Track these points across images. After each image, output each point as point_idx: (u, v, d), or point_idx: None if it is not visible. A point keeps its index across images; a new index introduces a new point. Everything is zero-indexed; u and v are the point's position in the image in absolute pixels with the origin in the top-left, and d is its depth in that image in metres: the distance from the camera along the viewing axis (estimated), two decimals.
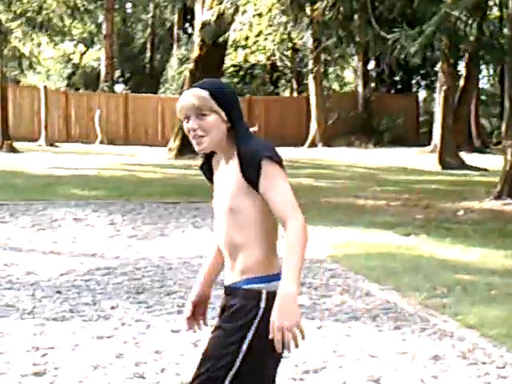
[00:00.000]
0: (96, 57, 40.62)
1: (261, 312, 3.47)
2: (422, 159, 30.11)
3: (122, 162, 25.24)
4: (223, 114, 3.50)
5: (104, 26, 40.53)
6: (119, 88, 42.36)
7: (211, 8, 24.35)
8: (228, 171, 3.55)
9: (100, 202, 15.80)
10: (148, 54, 45.62)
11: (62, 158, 26.31)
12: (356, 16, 19.04)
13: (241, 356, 3.46)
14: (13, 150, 27.36)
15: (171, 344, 6.69)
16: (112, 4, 40.15)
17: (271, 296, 3.41)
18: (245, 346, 3.46)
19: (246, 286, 3.53)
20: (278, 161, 3.45)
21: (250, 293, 3.52)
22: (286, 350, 3.36)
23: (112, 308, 7.86)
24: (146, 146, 33.34)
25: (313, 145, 37.84)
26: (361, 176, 24.55)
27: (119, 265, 10.04)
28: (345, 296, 8.57)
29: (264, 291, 3.49)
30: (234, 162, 3.48)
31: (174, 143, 28.28)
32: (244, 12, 23.22)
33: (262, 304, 3.48)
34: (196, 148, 3.58)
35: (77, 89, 39.67)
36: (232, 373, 3.47)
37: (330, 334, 7.13)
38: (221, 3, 21.82)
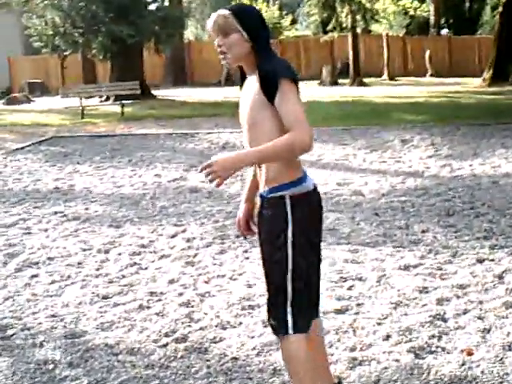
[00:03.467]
0: (426, 9, 38.03)
1: (289, 216, 2.74)
2: None
3: (445, 91, 22.43)
4: (245, 33, 2.76)
5: None
6: (444, 32, 39.59)
7: None
8: (250, 87, 2.79)
9: (424, 125, 13.60)
10: (467, 4, 42.39)
11: (399, 88, 24.03)
12: None
13: (290, 259, 2.75)
14: (362, 84, 25.95)
15: (475, 279, 4.70)
16: None
17: (296, 199, 2.75)
18: (289, 250, 2.75)
19: (270, 195, 2.79)
20: (294, 79, 2.71)
21: (275, 200, 2.78)
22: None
23: (422, 232, 5.97)
24: (467, 77, 30.23)
25: None
26: None
27: (434, 185, 8.06)
28: None
29: (287, 195, 2.75)
30: (255, 79, 2.74)
31: (487, 74, 25.05)
32: None
33: (288, 208, 2.75)
34: (222, 62, 2.86)
35: (412, 35, 37.71)
36: (289, 275, 2.77)
37: None
38: None
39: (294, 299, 2.80)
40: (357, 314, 4.19)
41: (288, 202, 2.75)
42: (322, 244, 5.53)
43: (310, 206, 2.81)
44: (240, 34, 2.76)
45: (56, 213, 7.16)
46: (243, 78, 2.92)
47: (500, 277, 4.68)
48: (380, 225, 6.27)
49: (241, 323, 4.08)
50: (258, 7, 35.80)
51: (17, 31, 28.24)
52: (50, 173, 9.78)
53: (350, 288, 4.65)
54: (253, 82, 2.77)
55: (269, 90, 2.67)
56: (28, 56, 31.08)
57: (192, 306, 4.37)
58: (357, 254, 5.38)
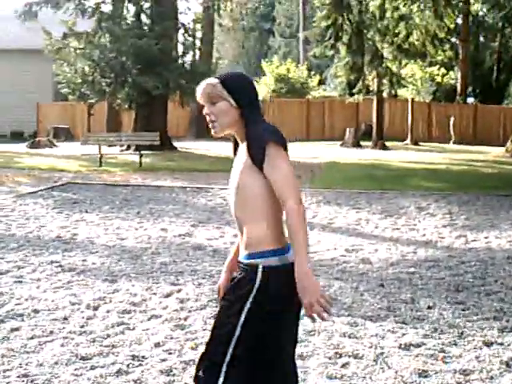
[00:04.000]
0: (453, 77, 38.21)
1: (257, 285, 2.67)
2: None
3: (467, 159, 22.20)
4: (232, 100, 2.77)
5: (460, 53, 38.06)
6: (470, 100, 39.60)
7: None
8: (240, 152, 2.83)
9: (442, 193, 13.37)
10: (494, 74, 42.56)
11: (421, 154, 23.85)
12: None
13: (239, 325, 2.68)
14: (384, 147, 25.82)
15: (481, 364, 4.40)
16: (466, 35, 37.46)
17: (270, 270, 2.68)
18: (243, 317, 2.68)
19: (246, 261, 2.75)
20: (282, 144, 2.72)
21: (249, 266, 2.73)
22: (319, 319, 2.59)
23: (429, 308, 5.69)
24: (490, 146, 29.96)
25: None
26: None
27: (446, 257, 7.78)
28: None
29: (261, 266, 2.69)
30: (244, 145, 2.77)
31: (511, 144, 24.80)
32: None
33: (259, 277, 2.68)
34: (212, 131, 2.86)
35: (439, 101, 37.78)
36: (234, 339, 2.69)
37: None
38: None
39: (231, 363, 2.70)
40: None
41: (260, 271, 2.70)
42: None
43: (284, 281, 2.68)
44: (227, 102, 2.78)
45: (52, 262, 6.98)
46: (236, 145, 2.94)
47: (508, 364, 4.38)
48: (384, 297, 6.00)
49: None
50: (286, 67, 36.36)
51: (48, 77, 28.75)
52: (55, 220, 9.66)
53: (344, 365, 4.38)
54: (243, 148, 2.79)
55: (257, 155, 2.68)
56: (57, 102, 31.58)
57: (173, 375, 4.13)
58: (356, 328, 5.11)
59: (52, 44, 21.63)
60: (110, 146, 20.53)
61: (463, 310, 5.64)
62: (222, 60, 44.42)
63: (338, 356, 4.54)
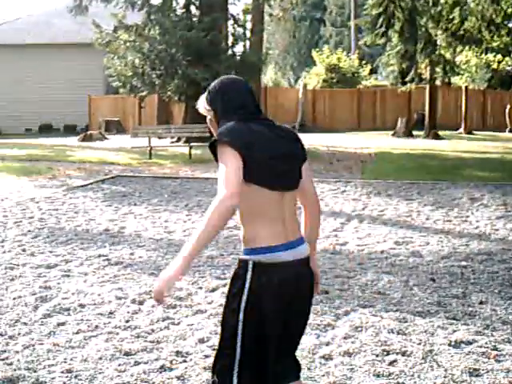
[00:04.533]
0: (510, 63, 37.17)
1: (247, 282, 2.67)
2: None
3: None
4: (211, 109, 2.86)
5: None
6: None
7: None
8: None
9: (496, 184, 13.00)
10: None
11: (475, 143, 23.29)
12: None
13: (240, 322, 2.67)
14: (437, 137, 25.32)
15: None
16: None
17: (261, 267, 2.67)
18: (241, 317, 2.67)
19: (240, 257, 2.79)
20: (224, 141, 2.64)
21: (241, 262, 2.75)
22: None
23: (481, 303, 5.51)
24: None
25: None
26: None
27: (500, 250, 7.55)
28: None
29: (251, 261, 2.69)
30: None
31: None
32: None
33: (249, 274, 2.68)
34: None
35: (495, 88, 36.85)
36: (238, 341, 2.67)
37: None
38: None
39: (241, 361, 2.69)
40: None
41: (250, 267, 2.70)
42: (370, 309, 5.29)
43: (274, 278, 2.68)
44: (210, 112, 2.87)
45: (100, 256, 7.04)
46: None
47: None
48: (434, 292, 5.85)
49: None
50: (337, 56, 35.99)
51: (100, 71, 29.14)
52: (105, 213, 9.75)
53: (391, 363, 4.27)
54: None
55: (215, 156, 2.71)
56: (108, 95, 32.01)
57: None
58: (405, 324, 4.98)
59: (102, 37, 21.84)
60: (159, 138, 20.67)
61: None
62: (273, 50, 44.32)
63: (385, 353, 4.43)
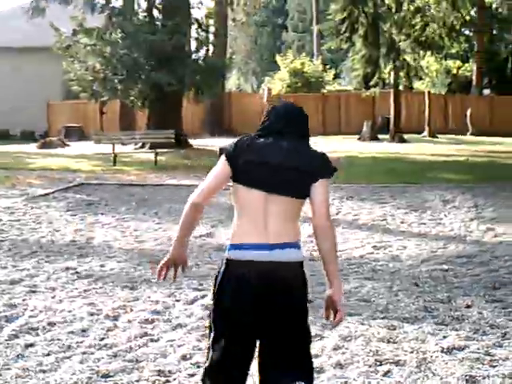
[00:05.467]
0: (469, 69, 37.75)
1: (221, 273, 2.89)
2: None
3: (487, 150, 21.75)
4: None
5: (475, 44, 37.53)
6: (486, 92, 39.05)
7: None
8: None
9: (466, 186, 12.99)
10: (510, 65, 41.94)
11: (440, 146, 23.39)
12: None
13: (212, 313, 2.94)
14: (402, 140, 25.39)
15: None
16: (481, 27, 36.77)
17: (230, 261, 2.87)
18: (213, 306, 2.94)
19: None
20: (220, 150, 3.00)
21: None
22: None
23: (467, 307, 5.36)
24: (508, 137, 29.40)
25: None
26: None
27: (477, 251, 7.50)
28: None
29: (225, 257, 2.90)
30: None
31: None
32: None
33: (223, 267, 2.89)
34: None
35: (454, 93, 37.30)
36: (213, 326, 2.92)
37: None
38: None
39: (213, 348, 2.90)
40: None
41: (224, 262, 2.90)
42: (357, 318, 5.07)
43: (238, 275, 2.83)
44: None
45: (68, 269, 6.64)
46: None
47: None
48: (419, 297, 5.68)
49: None
50: (300, 61, 35.95)
51: (58, 76, 28.38)
52: (70, 223, 9.34)
53: (386, 374, 4.06)
54: None
55: None
56: (67, 101, 31.28)
57: None
58: (394, 332, 4.78)
59: (61, 41, 21.20)
60: (123, 144, 20.21)
61: (503, 309, 5.34)
62: (236, 56, 44.07)
63: (378, 363, 4.22)
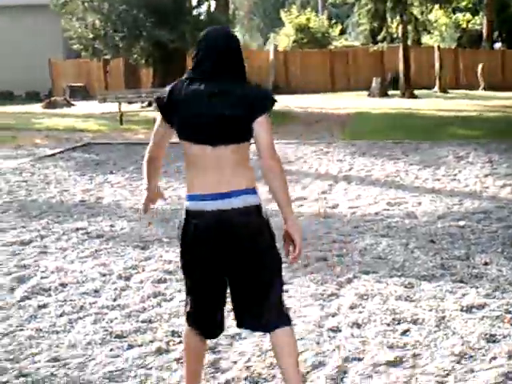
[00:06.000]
0: (479, 22, 37.06)
1: (182, 222, 2.96)
2: None
3: (499, 105, 21.42)
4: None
5: None
6: (497, 46, 38.35)
7: None
8: None
9: (479, 141, 12.78)
10: None
11: (451, 102, 23.08)
12: None
13: (180, 260, 3.07)
14: (412, 96, 25.09)
15: None
16: None
17: (187, 212, 2.92)
18: (180, 253, 3.04)
19: None
20: (155, 101, 3.08)
21: None
22: None
23: (485, 264, 5.26)
24: None
25: None
26: None
27: (494, 207, 7.33)
28: None
29: (184, 207, 2.97)
30: None
31: None
32: None
33: (183, 216, 2.96)
34: None
35: (464, 47, 36.75)
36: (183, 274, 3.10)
37: None
38: None
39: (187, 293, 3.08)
40: (413, 367, 3.54)
41: (184, 212, 2.96)
42: (373, 276, 4.99)
43: (195, 224, 2.89)
44: None
45: (78, 229, 6.59)
46: None
47: None
48: (437, 254, 5.58)
49: (274, 376, 3.46)
50: (305, 17, 35.37)
51: (58, 34, 27.98)
52: (78, 183, 9.27)
53: (404, 333, 3.99)
54: None
55: None
56: (70, 60, 30.91)
57: (219, 352, 3.76)
58: (412, 290, 4.70)
59: None
60: (129, 103, 20.00)
61: None
62: (238, 12, 43.25)
63: (396, 322, 4.15)
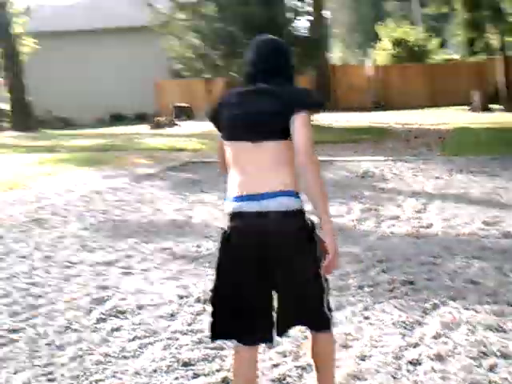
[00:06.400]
0: None
1: (227, 223, 2.86)
2: None
3: None
4: None
5: None
6: None
7: None
8: None
9: None
10: None
11: None
12: None
13: (218, 259, 3.01)
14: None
15: None
16: None
17: (230, 214, 2.83)
18: (218, 254, 2.98)
19: None
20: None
21: None
22: None
23: None
24: None
25: None
26: None
27: None
28: None
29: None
30: None
31: None
32: None
33: (228, 217, 2.86)
34: None
35: None
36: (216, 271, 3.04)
37: None
38: None
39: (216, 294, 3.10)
40: None
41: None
42: (462, 302, 4.60)
43: (236, 227, 2.80)
44: None
45: (164, 249, 6.52)
46: None
47: None
48: None
49: None
50: (403, 30, 34.52)
51: (162, 55, 28.57)
52: (172, 202, 9.23)
53: (491, 369, 3.60)
54: None
55: None
56: (175, 80, 31.40)
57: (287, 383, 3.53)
58: (503, 319, 4.28)
59: (158, 18, 20.90)
60: None
61: None
62: (338, 29, 42.69)
63: (483, 356, 3.76)
